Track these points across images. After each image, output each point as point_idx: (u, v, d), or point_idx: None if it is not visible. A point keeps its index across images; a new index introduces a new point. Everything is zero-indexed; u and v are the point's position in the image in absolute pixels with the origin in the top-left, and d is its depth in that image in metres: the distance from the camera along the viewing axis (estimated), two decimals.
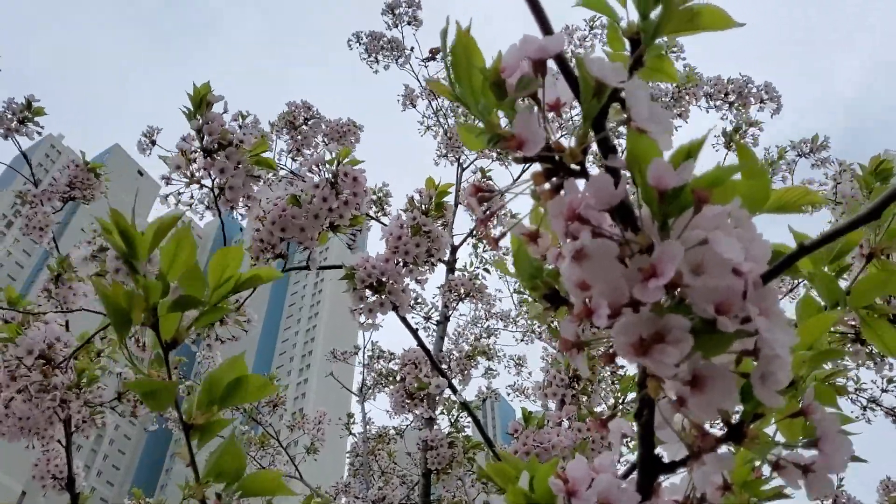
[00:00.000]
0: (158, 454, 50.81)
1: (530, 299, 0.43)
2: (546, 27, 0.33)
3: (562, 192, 0.33)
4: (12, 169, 2.46)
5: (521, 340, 4.34)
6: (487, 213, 0.34)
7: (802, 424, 0.45)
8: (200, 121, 1.23)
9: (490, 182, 3.30)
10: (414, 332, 1.49)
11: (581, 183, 0.32)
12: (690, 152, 0.30)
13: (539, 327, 2.72)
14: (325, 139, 2.74)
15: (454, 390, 1.62)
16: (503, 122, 0.35)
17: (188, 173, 1.24)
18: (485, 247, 3.29)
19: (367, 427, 3.67)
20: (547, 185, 0.34)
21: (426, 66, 4.13)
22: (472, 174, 3.52)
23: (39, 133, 2.14)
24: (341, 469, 3.80)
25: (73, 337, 1.34)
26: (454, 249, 2.99)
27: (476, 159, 3.78)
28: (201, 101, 1.23)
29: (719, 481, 0.45)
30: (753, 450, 0.42)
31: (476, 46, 0.32)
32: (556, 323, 0.46)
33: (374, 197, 3.18)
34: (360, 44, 4.13)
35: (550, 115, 0.35)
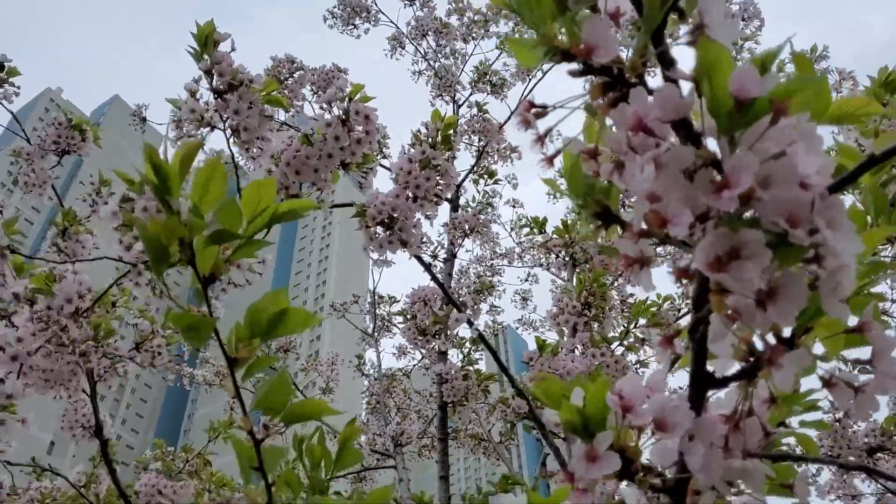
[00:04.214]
0: (180, 402, 51.89)
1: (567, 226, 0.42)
2: None
3: (622, 105, 0.32)
4: (9, 129, 2.42)
5: (526, 280, 4.36)
6: (542, 130, 0.33)
7: (844, 342, 0.45)
8: (209, 61, 1.20)
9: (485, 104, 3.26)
10: (427, 266, 1.49)
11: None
12: (765, 63, 0.29)
13: (545, 260, 2.73)
14: (313, 88, 2.71)
15: (470, 323, 1.64)
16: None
17: (199, 116, 1.22)
18: (487, 182, 3.27)
19: (380, 366, 3.73)
20: (604, 99, 0.34)
21: (411, 6, 4.06)
22: (469, 109, 3.47)
23: (17, 94, 2.10)
24: (357, 409, 3.87)
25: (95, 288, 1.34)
26: (457, 187, 2.96)
27: (471, 95, 3.75)
28: (206, 41, 1.19)
29: (766, 395, 0.45)
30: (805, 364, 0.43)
31: None
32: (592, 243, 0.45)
33: None
34: (334, 18, 4.09)
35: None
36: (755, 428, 0.42)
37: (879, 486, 2.81)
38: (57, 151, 1.76)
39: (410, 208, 1.33)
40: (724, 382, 0.42)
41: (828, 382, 0.44)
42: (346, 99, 1.20)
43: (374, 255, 1.36)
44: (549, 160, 0.34)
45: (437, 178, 1.35)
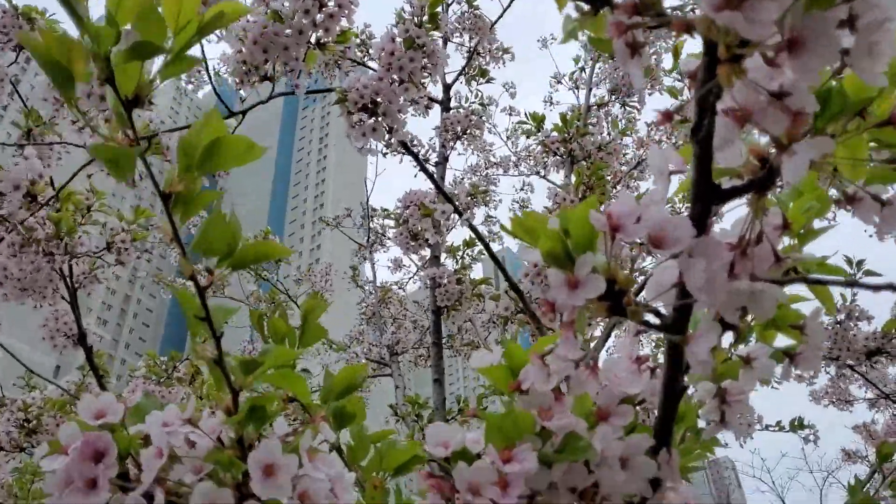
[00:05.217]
0: (182, 324, 52.65)
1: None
2: None
3: None
4: None
5: (522, 189, 4.27)
6: None
7: (868, 142, 0.39)
8: None
9: None
10: (415, 155, 1.43)
11: None
12: None
13: (542, 162, 2.65)
14: None
15: (460, 213, 1.58)
16: None
17: None
18: (479, 81, 3.15)
19: (375, 277, 3.71)
20: None
21: None
22: (459, 5, 3.30)
23: None
24: (352, 322, 3.86)
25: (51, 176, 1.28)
26: (447, 88, 2.85)
27: None
28: None
29: (778, 221, 0.40)
30: (833, 172, 0.37)
31: None
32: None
33: (359, 40, 3.01)
34: None
35: None
36: (765, 253, 0.37)
37: (873, 392, 2.82)
38: (14, 47, 1.65)
39: (395, 92, 1.25)
40: (731, 194, 0.36)
41: (851, 198, 0.38)
42: None
43: (358, 144, 1.29)
44: None
45: (423, 59, 1.26)
